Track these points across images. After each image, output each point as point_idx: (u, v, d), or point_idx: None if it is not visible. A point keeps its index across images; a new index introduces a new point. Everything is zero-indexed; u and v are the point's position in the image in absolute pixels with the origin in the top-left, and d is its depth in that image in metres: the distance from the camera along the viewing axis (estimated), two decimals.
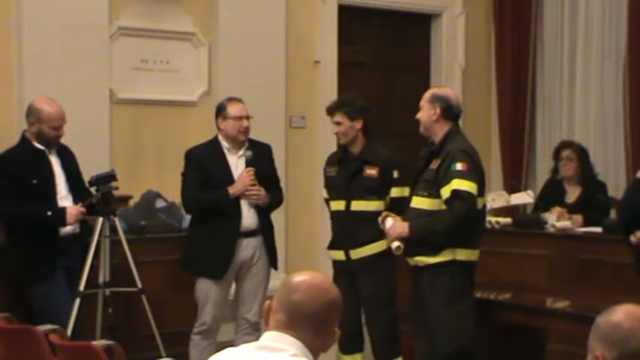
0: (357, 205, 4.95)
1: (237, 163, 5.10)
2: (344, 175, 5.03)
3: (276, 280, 5.20)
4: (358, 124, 4.99)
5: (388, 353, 5.04)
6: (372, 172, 4.96)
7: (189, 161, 5.14)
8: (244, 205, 5.04)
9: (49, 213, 4.80)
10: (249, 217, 5.06)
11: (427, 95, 4.59)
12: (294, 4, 6.95)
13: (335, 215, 5.10)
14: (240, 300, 5.19)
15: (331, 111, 5.09)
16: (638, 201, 4.35)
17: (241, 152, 5.10)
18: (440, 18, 7.84)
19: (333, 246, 5.10)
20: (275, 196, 5.20)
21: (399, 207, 4.74)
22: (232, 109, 5.08)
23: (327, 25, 7.13)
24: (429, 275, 4.48)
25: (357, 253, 4.95)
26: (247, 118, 5.10)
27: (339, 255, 5.03)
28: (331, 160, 5.24)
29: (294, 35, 6.94)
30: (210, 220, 5.03)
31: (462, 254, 4.45)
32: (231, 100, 5.16)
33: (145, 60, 6.39)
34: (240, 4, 6.66)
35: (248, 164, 5.04)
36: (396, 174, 4.97)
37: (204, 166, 5.07)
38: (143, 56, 6.38)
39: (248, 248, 5.08)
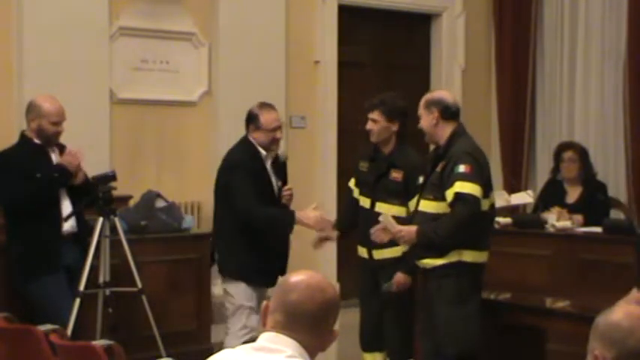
0: (381, 207, 4.85)
1: (270, 169, 4.98)
2: (372, 173, 4.95)
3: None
4: (394, 126, 4.84)
5: (402, 354, 5.02)
6: (397, 175, 4.85)
7: (243, 171, 4.84)
8: None
9: (56, 175, 4.86)
10: None
11: (422, 102, 4.55)
12: (294, 4, 6.95)
13: (362, 212, 5.01)
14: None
15: (370, 108, 4.91)
16: None
17: (271, 159, 4.96)
18: (440, 18, 7.84)
19: (359, 242, 5.06)
20: None
21: None
22: (266, 120, 4.86)
23: (327, 25, 7.13)
24: (435, 277, 4.47)
25: (378, 254, 4.90)
26: (280, 128, 4.91)
27: (364, 252, 4.99)
28: (364, 156, 5.11)
29: (294, 35, 6.94)
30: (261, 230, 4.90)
31: (469, 255, 4.44)
32: (263, 107, 4.92)
33: (145, 60, 6.39)
34: (240, 4, 6.65)
35: (283, 164, 5.02)
36: (421, 180, 4.91)
37: (254, 177, 4.85)
38: (143, 56, 6.38)
39: None
